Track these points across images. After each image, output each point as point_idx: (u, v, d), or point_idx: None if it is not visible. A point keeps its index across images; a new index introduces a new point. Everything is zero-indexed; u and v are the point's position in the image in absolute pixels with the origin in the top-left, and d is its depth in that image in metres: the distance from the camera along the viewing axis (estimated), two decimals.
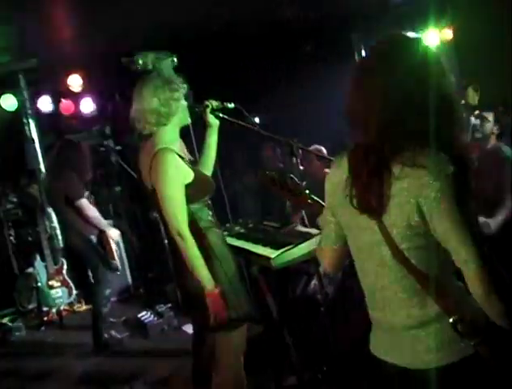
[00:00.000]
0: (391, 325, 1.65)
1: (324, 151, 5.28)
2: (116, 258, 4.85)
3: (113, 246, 4.84)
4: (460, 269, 1.49)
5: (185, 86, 2.77)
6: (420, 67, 1.52)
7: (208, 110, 2.91)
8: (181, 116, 2.75)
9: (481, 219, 3.78)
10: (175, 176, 2.58)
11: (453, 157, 1.48)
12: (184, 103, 2.75)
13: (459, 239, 1.46)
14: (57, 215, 5.48)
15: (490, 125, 4.53)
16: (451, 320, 1.51)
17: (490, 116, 4.53)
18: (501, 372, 1.51)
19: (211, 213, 2.76)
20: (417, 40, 1.58)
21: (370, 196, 1.53)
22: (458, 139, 1.55)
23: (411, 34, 1.60)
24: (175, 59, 3.00)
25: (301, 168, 5.82)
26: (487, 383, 1.54)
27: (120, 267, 4.98)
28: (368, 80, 1.56)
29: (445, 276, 1.55)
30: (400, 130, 1.50)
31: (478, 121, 4.52)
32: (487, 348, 1.50)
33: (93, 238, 4.79)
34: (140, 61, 2.79)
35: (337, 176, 1.67)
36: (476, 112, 4.49)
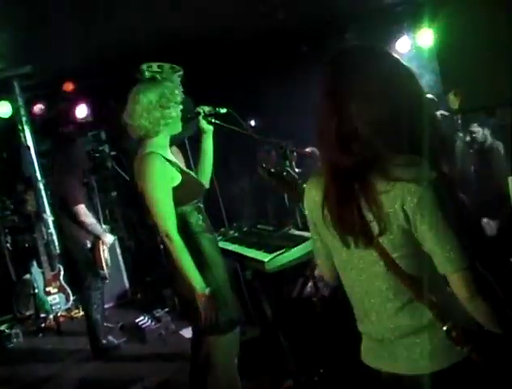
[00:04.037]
0: (382, 335, 1.63)
1: (317, 152, 5.29)
2: (105, 267, 4.83)
3: (104, 255, 4.82)
4: (445, 275, 1.49)
5: (180, 100, 2.77)
6: (391, 78, 1.51)
7: (200, 117, 2.91)
8: (172, 127, 2.77)
9: (484, 220, 3.77)
10: (160, 178, 2.60)
11: (434, 164, 1.47)
12: (177, 115, 2.76)
13: (441, 245, 1.46)
14: (56, 218, 5.46)
15: (480, 132, 4.62)
16: (445, 328, 1.50)
17: (475, 127, 4.63)
18: (493, 376, 1.51)
19: (201, 218, 2.76)
20: (385, 52, 1.57)
21: (351, 221, 1.52)
22: (437, 148, 1.53)
23: (377, 45, 1.58)
24: (181, 72, 3.00)
25: (297, 170, 5.89)
26: (480, 388, 1.53)
27: (108, 276, 4.93)
28: (339, 96, 1.53)
29: (436, 283, 1.54)
30: (378, 144, 1.48)
31: (468, 138, 4.63)
32: (479, 354, 1.49)
33: (87, 244, 4.78)
34: (147, 72, 2.80)
35: (314, 194, 1.65)
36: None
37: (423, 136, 1.48)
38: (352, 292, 1.68)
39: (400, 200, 1.46)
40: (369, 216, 1.49)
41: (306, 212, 1.75)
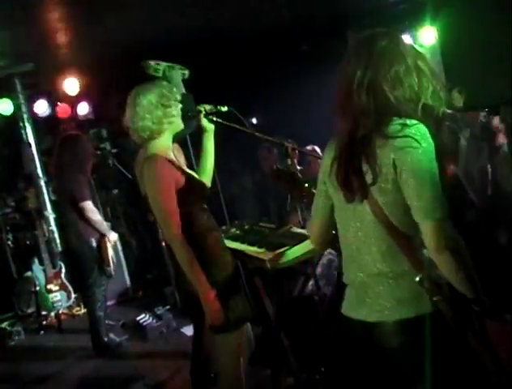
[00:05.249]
0: (364, 278, 1.78)
1: (318, 150, 5.29)
2: (111, 264, 4.83)
3: (110, 253, 4.82)
4: (419, 224, 1.64)
5: (179, 98, 2.75)
6: (391, 57, 1.70)
7: (202, 115, 2.90)
8: (174, 126, 2.75)
9: None
10: (165, 181, 2.58)
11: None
12: (177, 113, 2.75)
13: (418, 194, 1.60)
14: (61, 215, 5.44)
15: (496, 119, 4.61)
16: (418, 278, 1.64)
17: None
18: (458, 329, 1.65)
19: (206, 217, 2.75)
20: (392, 34, 1.77)
21: (351, 174, 1.72)
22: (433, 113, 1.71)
23: (386, 30, 1.78)
24: (187, 72, 3.01)
25: (299, 168, 5.88)
26: (449, 338, 1.67)
27: (113, 273, 4.94)
28: (345, 70, 1.76)
29: (417, 236, 1.68)
30: (393, 112, 1.68)
31: (486, 119, 4.61)
32: (447, 305, 1.63)
33: (93, 241, 4.78)
34: (152, 68, 2.80)
35: (327, 157, 1.87)
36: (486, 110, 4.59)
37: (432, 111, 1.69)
38: (345, 239, 1.86)
39: (392, 152, 1.63)
40: (366, 168, 1.68)
41: (321, 166, 1.94)
